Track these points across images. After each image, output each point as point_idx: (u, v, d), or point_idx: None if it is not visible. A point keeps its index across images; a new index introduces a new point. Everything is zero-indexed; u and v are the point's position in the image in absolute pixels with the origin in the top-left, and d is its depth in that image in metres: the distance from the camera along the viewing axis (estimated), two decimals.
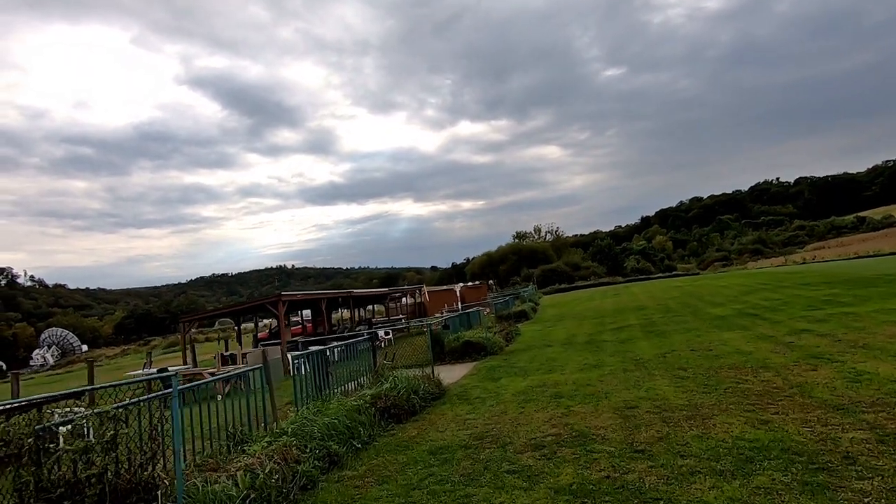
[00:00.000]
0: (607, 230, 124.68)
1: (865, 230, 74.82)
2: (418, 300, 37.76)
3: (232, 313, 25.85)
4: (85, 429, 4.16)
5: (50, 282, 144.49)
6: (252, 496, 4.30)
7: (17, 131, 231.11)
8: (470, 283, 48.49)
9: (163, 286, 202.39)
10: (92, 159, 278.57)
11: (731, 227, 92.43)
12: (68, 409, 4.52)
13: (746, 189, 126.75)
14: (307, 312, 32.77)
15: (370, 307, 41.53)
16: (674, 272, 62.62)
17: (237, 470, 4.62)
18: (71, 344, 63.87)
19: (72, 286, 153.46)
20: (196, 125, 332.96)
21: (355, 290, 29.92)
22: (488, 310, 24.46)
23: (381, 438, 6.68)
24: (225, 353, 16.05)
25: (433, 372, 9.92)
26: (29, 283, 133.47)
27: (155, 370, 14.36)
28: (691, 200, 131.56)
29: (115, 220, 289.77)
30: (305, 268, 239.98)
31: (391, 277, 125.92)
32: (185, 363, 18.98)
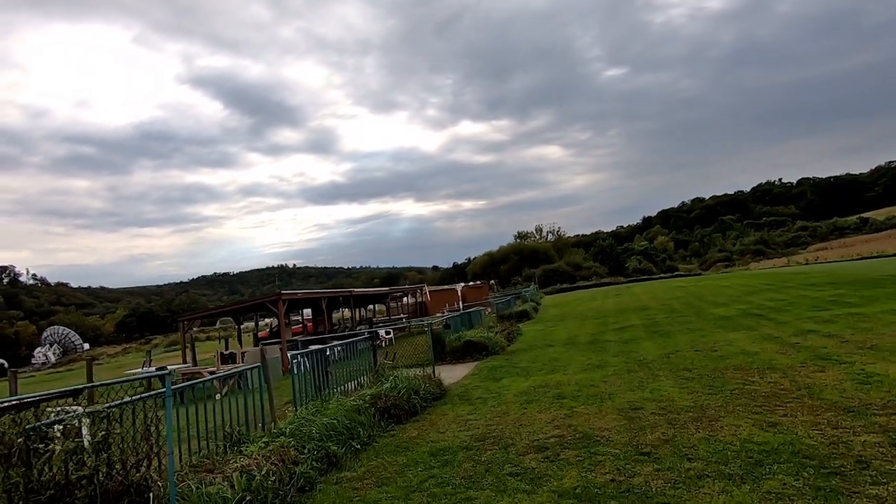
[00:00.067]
0: (609, 230, 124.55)
1: (868, 231, 74.52)
2: (419, 300, 37.66)
3: (232, 312, 25.77)
4: (81, 428, 4.07)
5: (52, 280, 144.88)
6: (248, 499, 4.19)
7: (19, 130, 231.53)
8: (471, 283, 48.40)
9: (165, 285, 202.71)
10: (93, 158, 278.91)
11: (733, 228, 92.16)
12: (59, 409, 4.41)
13: (748, 190, 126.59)
14: (308, 312, 32.68)
15: (371, 307, 41.45)
16: (676, 273, 62.40)
17: (233, 471, 4.52)
18: (72, 342, 63.95)
19: (74, 285, 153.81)
20: (197, 124, 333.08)
21: (356, 290, 29.83)
22: (490, 309, 24.34)
23: (380, 439, 6.58)
24: (225, 352, 15.96)
25: (434, 372, 9.81)
26: (31, 282, 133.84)
27: (154, 369, 14.27)
28: (693, 201, 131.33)
29: (116, 219, 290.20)
30: (307, 267, 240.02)
31: (392, 277, 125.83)
32: (184, 362, 18.90)
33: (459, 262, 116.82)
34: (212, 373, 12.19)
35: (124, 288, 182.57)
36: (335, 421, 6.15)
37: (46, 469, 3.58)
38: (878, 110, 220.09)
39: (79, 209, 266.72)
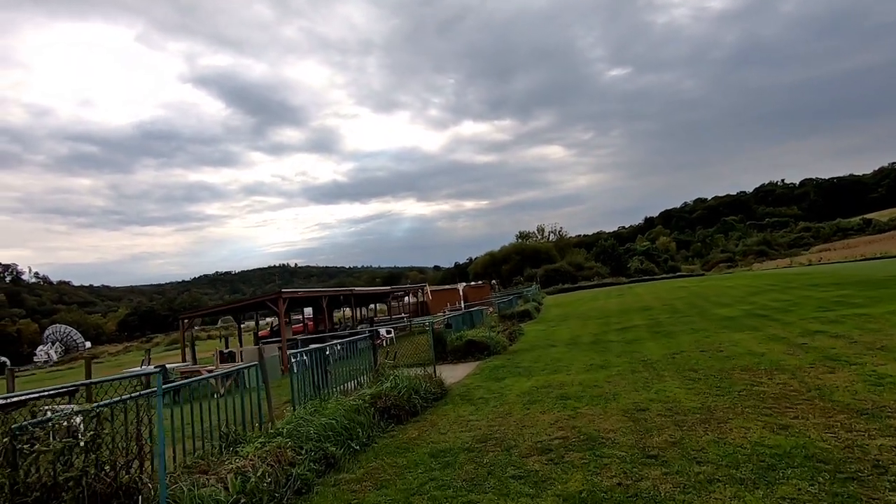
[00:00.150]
0: (611, 231, 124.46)
1: (872, 232, 74.18)
2: (421, 299, 37.53)
3: (232, 310, 25.67)
4: (69, 428, 3.94)
5: (54, 279, 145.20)
6: (242, 501, 4.06)
7: (22, 129, 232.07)
8: (473, 283, 48.25)
9: (167, 284, 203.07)
10: (96, 157, 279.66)
11: (735, 229, 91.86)
12: (47, 408, 4.28)
13: (751, 190, 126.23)
14: (309, 311, 32.59)
15: (372, 306, 41.33)
16: (678, 273, 62.14)
17: (228, 473, 4.38)
18: (74, 340, 64.02)
19: (76, 283, 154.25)
20: (200, 123, 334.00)
21: (357, 288, 29.70)
22: (491, 309, 24.21)
23: (380, 440, 6.44)
24: (224, 351, 15.84)
25: (435, 371, 9.67)
26: (33, 280, 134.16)
27: (152, 367, 14.16)
28: (695, 202, 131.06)
29: (119, 218, 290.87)
30: (308, 266, 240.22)
31: (394, 277, 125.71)
32: (184, 360, 18.80)
33: (461, 262, 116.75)
34: (210, 371, 12.07)
35: (126, 286, 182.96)
36: (334, 421, 6.01)
37: (33, 470, 3.45)
38: (882, 111, 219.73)
39: (81, 207, 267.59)
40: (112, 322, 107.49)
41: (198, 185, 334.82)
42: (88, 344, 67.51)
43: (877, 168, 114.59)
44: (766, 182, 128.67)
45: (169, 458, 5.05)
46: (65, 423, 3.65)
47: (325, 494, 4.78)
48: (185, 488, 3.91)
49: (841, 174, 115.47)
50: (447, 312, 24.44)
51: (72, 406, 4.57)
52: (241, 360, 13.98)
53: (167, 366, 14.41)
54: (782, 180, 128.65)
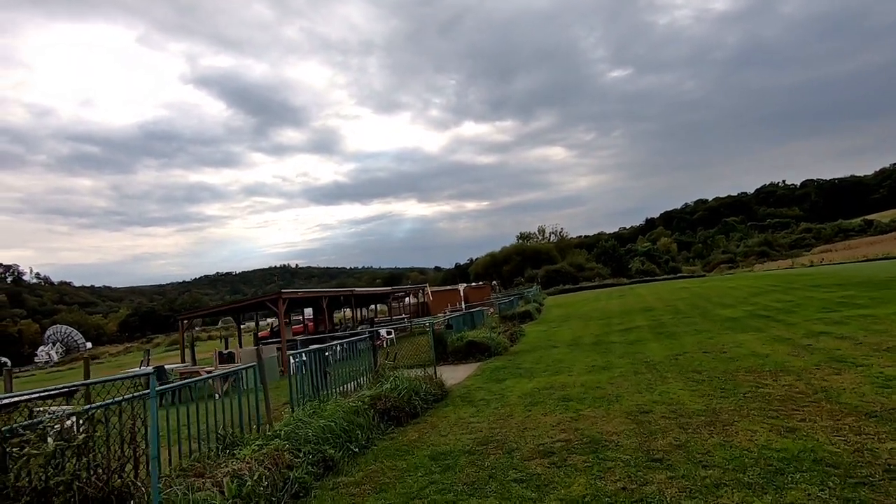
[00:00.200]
0: (612, 232, 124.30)
1: (873, 233, 74.00)
2: (421, 300, 37.46)
3: (232, 311, 25.59)
4: (60, 430, 3.86)
5: (55, 279, 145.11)
6: None
7: (24, 129, 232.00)
8: (473, 284, 48.19)
9: (167, 284, 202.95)
10: (98, 157, 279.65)
11: (736, 230, 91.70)
12: (43, 409, 4.20)
13: (752, 191, 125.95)
14: (309, 311, 32.50)
15: (373, 307, 41.25)
16: (679, 274, 62.04)
17: (224, 476, 4.30)
18: (75, 341, 63.89)
19: (77, 283, 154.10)
20: (201, 124, 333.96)
21: (357, 289, 29.61)
22: (492, 310, 24.12)
23: (379, 442, 6.35)
24: (223, 352, 15.76)
25: (435, 372, 9.57)
26: (35, 281, 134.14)
27: (151, 368, 14.09)
28: (696, 202, 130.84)
29: (120, 218, 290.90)
30: (309, 267, 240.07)
31: (395, 277, 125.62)
32: (183, 361, 18.71)
33: (462, 263, 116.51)
34: (209, 372, 11.99)
35: (127, 287, 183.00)
36: (333, 423, 5.92)
37: (23, 474, 3.36)
38: (883, 111, 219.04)
39: (83, 208, 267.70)
40: (113, 323, 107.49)
41: (199, 185, 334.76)
42: (89, 344, 67.37)
43: (878, 169, 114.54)
44: (768, 183, 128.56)
45: (165, 460, 4.97)
46: (56, 426, 3.56)
47: (324, 498, 4.69)
48: (179, 492, 3.82)
49: (842, 175, 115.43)
50: (448, 313, 24.36)
51: (63, 408, 4.50)
52: (240, 362, 13.89)
53: (166, 366, 14.33)
54: (783, 181, 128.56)
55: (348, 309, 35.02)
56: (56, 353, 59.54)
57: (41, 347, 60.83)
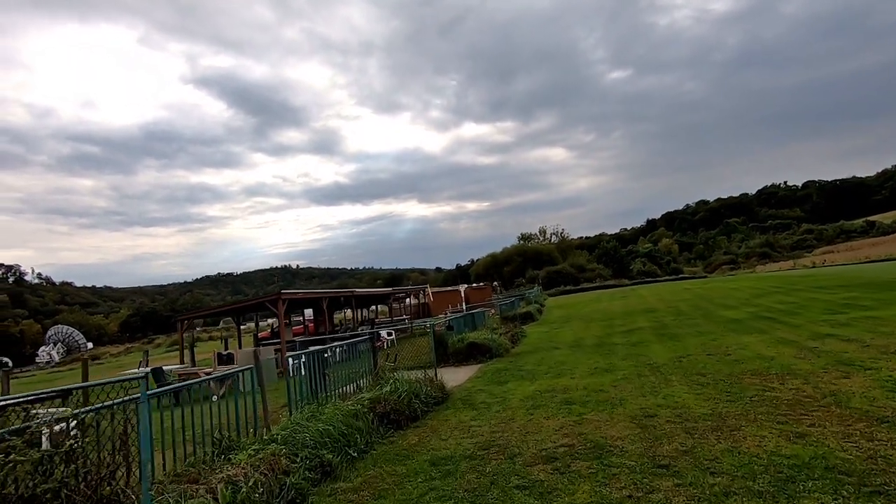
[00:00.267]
0: (612, 233, 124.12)
1: (875, 234, 73.78)
2: (422, 301, 37.35)
3: (232, 312, 25.48)
4: (48, 435, 3.75)
5: (57, 279, 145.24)
6: None
7: (24, 129, 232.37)
8: (474, 285, 48.06)
9: (169, 285, 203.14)
10: (98, 157, 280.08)
11: (738, 231, 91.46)
12: (35, 412, 4.09)
13: (753, 192, 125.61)
14: (309, 312, 32.39)
15: (373, 307, 41.13)
16: (680, 275, 61.87)
17: (218, 482, 4.18)
18: (76, 341, 63.82)
19: (78, 284, 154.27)
20: (201, 124, 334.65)
21: (357, 290, 29.50)
22: (493, 311, 23.99)
23: (379, 446, 6.23)
24: (223, 353, 15.65)
25: (436, 374, 9.45)
26: (36, 281, 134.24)
27: (149, 369, 13.97)
28: (697, 203, 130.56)
29: (121, 219, 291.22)
30: (310, 268, 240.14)
31: (395, 278, 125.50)
32: (182, 362, 18.61)
33: (462, 264, 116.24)
34: (208, 374, 11.88)
35: (128, 287, 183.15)
36: (331, 427, 5.80)
37: (10, 481, 3.25)
38: (885, 111, 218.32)
39: (83, 208, 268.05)
40: (114, 323, 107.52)
41: (199, 186, 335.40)
42: (90, 345, 67.29)
43: (880, 170, 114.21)
44: (769, 184, 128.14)
45: (159, 465, 4.86)
46: (47, 431, 3.45)
47: None
48: (171, 500, 3.71)
49: (844, 176, 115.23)
50: (449, 314, 24.24)
51: (51, 410, 4.38)
52: (238, 363, 13.77)
53: (164, 368, 14.22)
54: (785, 182, 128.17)
55: (349, 310, 34.91)
56: (57, 353, 59.48)
57: (42, 348, 60.77)
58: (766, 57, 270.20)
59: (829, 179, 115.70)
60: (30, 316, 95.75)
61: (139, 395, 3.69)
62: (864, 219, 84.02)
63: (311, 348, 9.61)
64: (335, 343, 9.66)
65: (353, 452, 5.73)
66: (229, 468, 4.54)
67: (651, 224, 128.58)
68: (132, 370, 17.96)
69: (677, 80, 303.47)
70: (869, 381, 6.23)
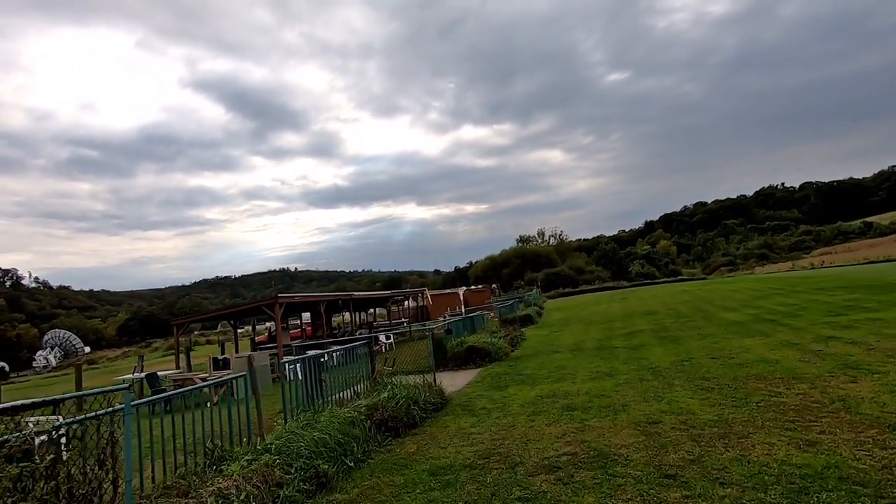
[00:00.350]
0: (611, 234, 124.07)
1: (873, 235, 73.81)
2: (421, 303, 37.16)
3: (228, 316, 25.25)
4: (35, 447, 3.58)
5: (54, 283, 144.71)
6: None
7: (23, 133, 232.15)
8: (473, 287, 47.88)
9: (166, 288, 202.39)
10: (97, 161, 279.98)
11: (736, 232, 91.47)
12: (28, 420, 3.92)
13: (751, 194, 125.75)
14: (307, 315, 32.19)
15: (372, 310, 40.93)
16: (679, 277, 61.83)
17: (209, 496, 4.02)
18: (73, 345, 63.53)
19: (76, 288, 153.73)
20: (200, 128, 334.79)
21: (355, 293, 29.31)
22: (492, 314, 23.84)
23: (376, 455, 6.07)
24: (219, 358, 15.46)
25: (435, 379, 9.29)
26: (33, 285, 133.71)
27: (143, 375, 13.78)
28: (695, 205, 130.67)
29: (119, 222, 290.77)
30: (308, 271, 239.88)
31: (394, 281, 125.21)
32: (177, 367, 18.39)
33: (461, 266, 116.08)
34: (203, 379, 11.69)
35: (126, 291, 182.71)
36: (327, 436, 5.64)
37: None
38: (887, 112, 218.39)
39: (81, 212, 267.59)
40: (112, 327, 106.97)
41: (198, 189, 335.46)
42: (88, 349, 67.03)
43: (877, 171, 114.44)
44: (767, 185, 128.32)
45: (148, 477, 4.69)
46: (24, 445, 3.29)
47: None
48: None
49: (841, 178, 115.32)
50: (447, 317, 24.08)
51: (31, 420, 4.22)
52: (234, 368, 13.58)
53: (159, 373, 14.02)
54: (782, 184, 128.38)
55: (347, 313, 34.72)
56: (54, 357, 59.12)
57: (39, 352, 60.39)
58: (765, 58, 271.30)
59: (827, 181, 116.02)
60: (27, 320, 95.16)
61: (116, 407, 3.53)
62: (861, 220, 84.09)
63: (307, 353, 9.45)
64: (332, 348, 9.49)
65: (350, 462, 5.56)
66: (221, 480, 4.37)
67: (649, 226, 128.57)
68: (127, 375, 17.73)
69: (676, 82, 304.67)
70: (877, 385, 6.09)
